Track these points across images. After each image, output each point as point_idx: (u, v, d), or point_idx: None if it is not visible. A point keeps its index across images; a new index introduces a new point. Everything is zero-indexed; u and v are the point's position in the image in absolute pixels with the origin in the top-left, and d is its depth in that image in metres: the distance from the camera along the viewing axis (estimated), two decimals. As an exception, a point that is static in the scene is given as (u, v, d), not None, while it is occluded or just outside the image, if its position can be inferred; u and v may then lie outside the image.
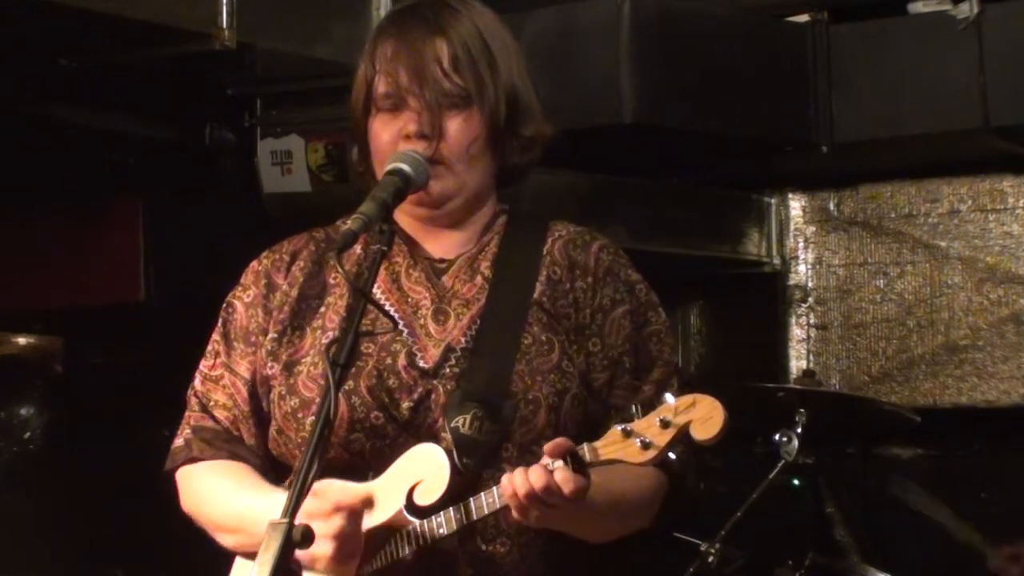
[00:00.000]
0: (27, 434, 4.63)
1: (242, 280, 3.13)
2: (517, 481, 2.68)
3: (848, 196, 5.86)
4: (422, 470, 2.82)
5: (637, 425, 2.67)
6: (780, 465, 4.51)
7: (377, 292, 3.01)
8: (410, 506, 2.79)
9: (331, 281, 3.07)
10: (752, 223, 5.89)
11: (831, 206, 5.89)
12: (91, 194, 4.90)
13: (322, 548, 2.75)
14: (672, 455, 2.67)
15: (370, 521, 2.83)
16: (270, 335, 3.03)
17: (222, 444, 3.04)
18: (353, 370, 2.85)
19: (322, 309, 3.04)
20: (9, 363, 4.66)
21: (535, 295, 3.05)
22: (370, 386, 2.93)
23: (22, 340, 4.70)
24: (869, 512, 5.82)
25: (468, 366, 2.96)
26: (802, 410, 4.41)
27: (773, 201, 5.92)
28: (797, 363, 5.86)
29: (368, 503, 2.84)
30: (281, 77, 4.66)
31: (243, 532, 2.92)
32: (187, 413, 3.11)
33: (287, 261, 3.11)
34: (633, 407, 2.72)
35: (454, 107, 3.00)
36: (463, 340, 2.99)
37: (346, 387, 2.87)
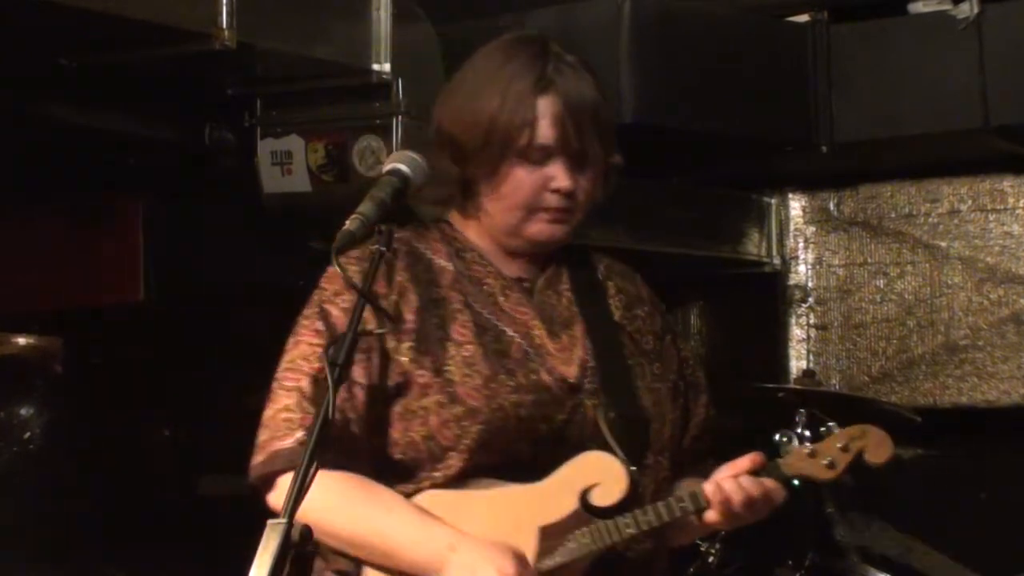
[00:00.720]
0: (27, 434, 4.63)
1: (328, 283, 3.12)
2: (730, 488, 3.02)
3: (848, 196, 5.88)
4: (595, 475, 3.02)
5: (820, 447, 3.13)
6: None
7: (484, 313, 3.13)
8: (586, 506, 3.00)
9: (442, 293, 3.14)
10: (752, 223, 5.91)
11: (831, 206, 5.91)
12: (91, 194, 4.90)
13: None
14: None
15: (544, 519, 3.00)
16: (404, 343, 3.05)
17: (336, 452, 2.93)
18: (512, 384, 3.04)
19: (447, 319, 3.11)
20: (9, 363, 4.66)
21: (616, 318, 3.25)
22: (534, 400, 3.05)
23: (22, 340, 4.70)
24: (868, 511, 5.77)
25: (602, 382, 3.13)
26: (801, 411, 4.35)
27: (773, 201, 5.94)
28: (797, 363, 5.89)
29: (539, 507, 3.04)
30: (281, 77, 4.65)
31: (381, 554, 3.00)
32: (293, 412, 3.04)
33: (384, 270, 3.10)
34: (796, 431, 3.17)
35: (591, 165, 3.13)
36: (588, 358, 3.15)
37: (510, 400, 3.02)
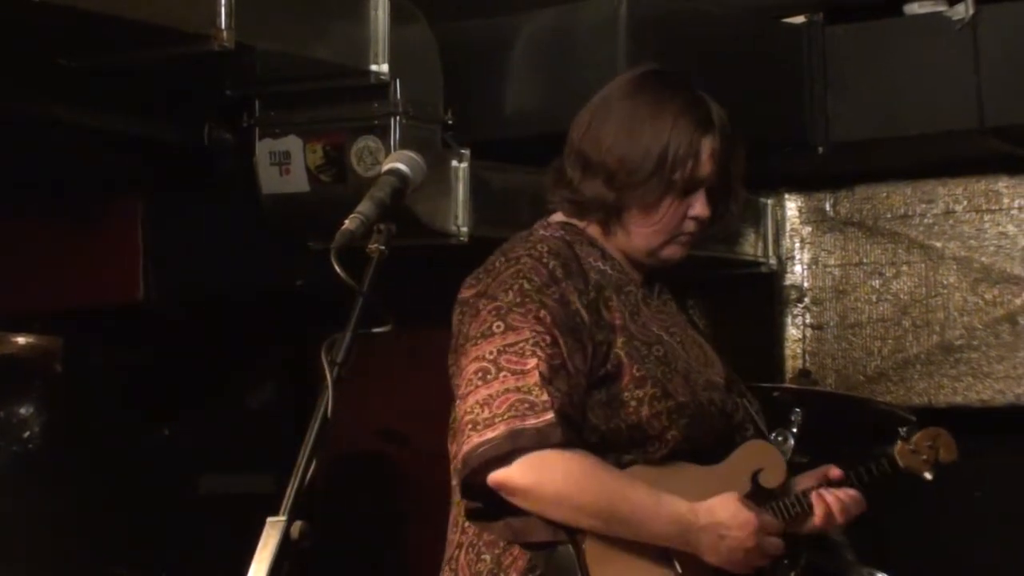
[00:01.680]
0: (27, 433, 4.65)
1: (530, 275, 3.20)
2: (841, 498, 3.41)
3: (844, 197, 5.88)
4: (761, 460, 3.34)
5: (917, 446, 3.63)
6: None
7: (619, 320, 3.27)
8: (760, 486, 3.30)
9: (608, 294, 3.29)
10: (748, 223, 5.90)
11: (827, 206, 5.91)
12: (91, 194, 4.91)
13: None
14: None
15: (736, 491, 3.24)
16: (619, 338, 3.22)
17: (576, 432, 3.12)
18: (701, 382, 3.32)
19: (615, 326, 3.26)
20: (9, 363, 4.68)
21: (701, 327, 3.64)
22: (719, 396, 3.34)
23: (22, 340, 4.72)
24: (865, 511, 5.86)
25: (731, 383, 3.44)
26: (798, 409, 4.40)
27: (769, 202, 5.94)
28: (793, 362, 5.89)
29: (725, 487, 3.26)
30: (279, 78, 4.65)
31: (629, 524, 3.13)
32: (535, 393, 3.09)
33: (573, 263, 3.27)
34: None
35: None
36: (718, 361, 3.46)
37: (707, 396, 3.29)
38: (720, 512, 3.16)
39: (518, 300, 3.15)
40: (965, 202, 5.66)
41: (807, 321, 5.93)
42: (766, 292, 5.96)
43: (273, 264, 4.84)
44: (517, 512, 3.12)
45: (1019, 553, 5.53)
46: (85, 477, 4.76)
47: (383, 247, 2.91)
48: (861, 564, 4.81)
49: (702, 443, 3.27)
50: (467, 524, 3.22)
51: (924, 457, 3.58)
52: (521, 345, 3.11)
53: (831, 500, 3.37)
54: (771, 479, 3.30)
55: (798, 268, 5.94)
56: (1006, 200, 5.62)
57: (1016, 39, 5.09)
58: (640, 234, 3.30)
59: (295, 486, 2.60)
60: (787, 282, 5.94)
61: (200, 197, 4.89)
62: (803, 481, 3.44)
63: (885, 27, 5.29)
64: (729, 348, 6.01)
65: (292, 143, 4.70)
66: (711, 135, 3.30)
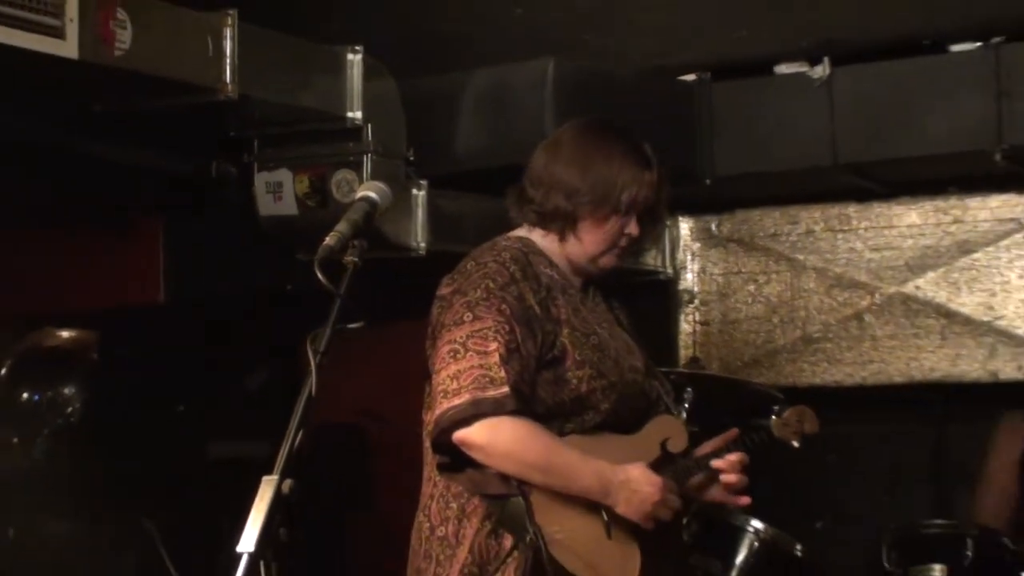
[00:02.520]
0: (69, 409, 4.60)
1: (495, 276, 3.22)
2: (735, 459, 3.42)
3: (726, 219, 5.91)
4: (668, 431, 3.35)
5: (787, 419, 3.62)
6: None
7: (563, 315, 3.28)
8: (667, 452, 3.30)
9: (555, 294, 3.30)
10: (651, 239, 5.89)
11: (713, 227, 5.93)
12: (121, 216, 4.89)
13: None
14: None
15: (646, 459, 3.25)
16: (564, 329, 3.24)
17: (525, 403, 3.15)
18: (627, 365, 3.33)
19: (560, 319, 3.27)
20: (55, 352, 4.64)
21: (625, 324, 3.53)
22: (635, 379, 3.34)
23: (65, 334, 4.68)
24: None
25: (647, 369, 3.43)
26: (689, 389, 4.42)
27: (667, 223, 5.89)
28: (685, 352, 5.90)
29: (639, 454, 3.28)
30: (273, 122, 4.62)
31: (563, 479, 3.16)
32: (493, 371, 3.13)
33: (528, 268, 3.27)
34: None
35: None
36: (638, 350, 3.44)
37: (633, 377, 3.33)
38: (633, 472, 3.17)
39: (484, 296, 3.16)
40: (822, 224, 5.73)
41: (696, 318, 5.95)
42: (664, 295, 5.97)
43: (268, 272, 4.81)
44: (477, 467, 3.13)
45: (861, 499, 5.60)
46: (116, 445, 4.73)
47: (357, 259, 2.88)
48: (739, 512, 4.69)
49: (625, 416, 3.30)
50: (438, 478, 3.22)
51: (793, 429, 3.59)
52: (485, 331, 3.13)
53: (736, 460, 3.43)
54: (676, 446, 3.32)
55: (689, 276, 5.96)
56: (854, 222, 5.68)
57: (862, 94, 5.15)
58: (589, 241, 3.31)
59: (285, 451, 2.59)
60: (680, 287, 5.96)
61: (210, 218, 4.86)
62: (703, 448, 3.44)
63: (759, 84, 5.29)
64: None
65: (284, 175, 4.68)
66: (650, 171, 3.33)
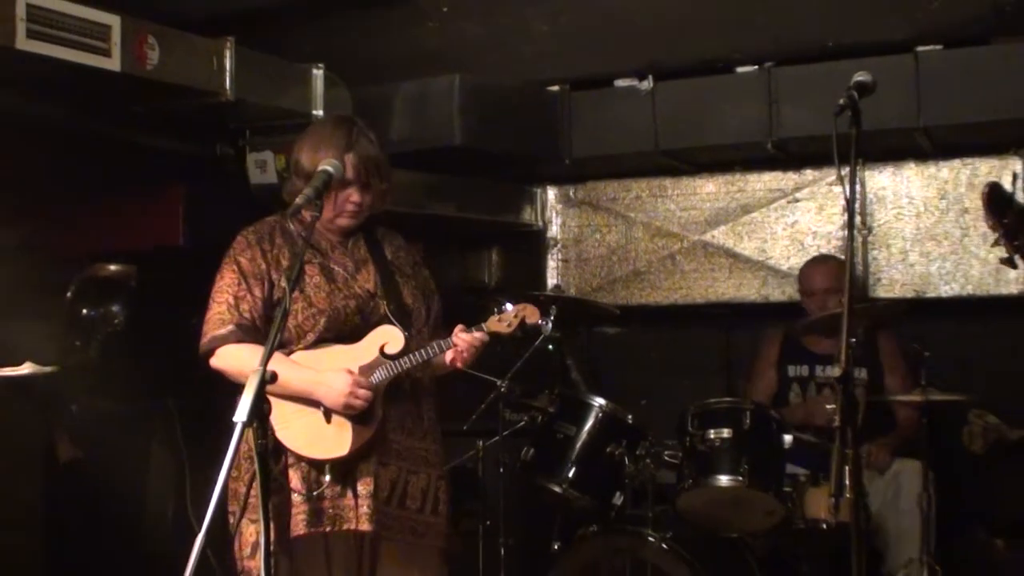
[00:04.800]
0: (116, 321, 4.53)
1: (238, 246, 3.16)
2: (466, 337, 3.11)
3: (580, 188, 5.85)
4: (387, 337, 3.13)
5: (504, 316, 3.13)
6: (540, 337, 4.15)
7: (322, 260, 3.19)
8: (383, 354, 3.10)
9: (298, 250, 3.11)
10: (527, 202, 5.90)
11: (571, 193, 5.88)
12: (152, 183, 4.86)
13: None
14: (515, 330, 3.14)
15: (362, 361, 3.10)
16: (283, 278, 3.10)
17: (250, 334, 3.10)
18: (341, 294, 3.13)
19: (304, 264, 3.12)
20: (106, 281, 4.53)
21: (389, 258, 3.30)
22: (355, 303, 3.15)
23: (113, 267, 4.59)
24: (590, 362, 5.89)
25: (385, 292, 3.21)
26: (554, 306, 4.34)
27: (538, 190, 5.90)
28: (551, 281, 5.85)
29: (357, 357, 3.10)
30: (260, 117, 4.63)
31: (279, 387, 2.92)
32: (225, 314, 3.08)
33: (267, 236, 3.19)
34: (497, 307, 3.17)
35: (372, 190, 3.21)
36: (377, 279, 3.22)
37: (341, 303, 3.13)
38: (328, 376, 3.05)
39: (227, 260, 3.16)
40: (647, 191, 5.68)
41: (559, 258, 5.91)
42: (536, 241, 5.92)
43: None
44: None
45: (673, 384, 5.55)
46: (148, 346, 4.70)
47: (317, 213, 3.00)
48: (588, 392, 4.76)
49: (342, 332, 3.14)
50: None
51: (507, 323, 3.15)
52: (222, 286, 3.13)
53: (467, 338, 3.14)
54: (392, 348, 3.11)
55: (554, 228, 5.90)
56: (669, 191, 5.64)
57: (676, 101, 5.10)
58: (327, 209, 3.15)
59: (267, 352, 2.66)
60: (548, 235, 5.90)
61: (215, 185, 4.84)
62: (454, 332, 3.19)
63: (604, 93, 5.23)
64: (516, 273, 6.06)
65: (267, 155, 4.71)
66: (352, 154, 3.15)
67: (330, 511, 3.08)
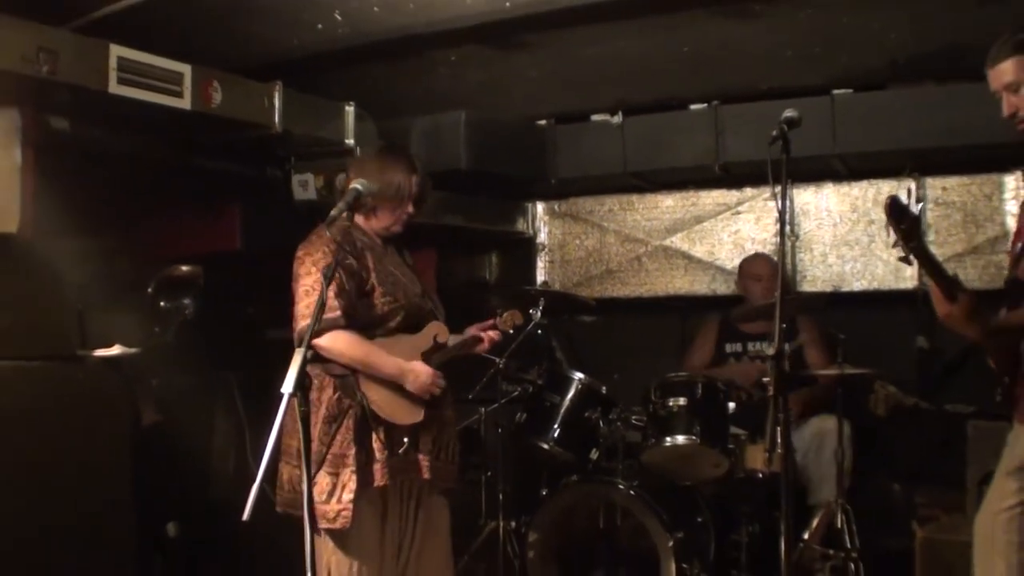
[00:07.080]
0: (187, 311, 4.51)
1: (327, 247, 3.04)
2: (494, 335, 3.28)
3: (564, 203, 5.85)
4: (436, 330, 3.22)
5: (505, 319, 3.34)
6: (531, 324, 4.24)
7: (378, 266, 3.16)
8: (436, 343, 3.20)
9: (365, 252, 3.14)
10: (520, 215, 5.90)
11: (556, 207, 5.89)
12: (216, 200, 4.83)
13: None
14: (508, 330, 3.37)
15: (423, 348, 3.18)
16: (372, 276, 3.10)
17: (349, 321, 3.07)
18: (410, 292, 3.17)
19: (369, 268, 3.14)
20: (179, 280, 4.51)
21: (409, 264, 3.33)
22: (418, 301, 3.20)
23: (184, 268, 4.57)
24: (572, 343, 5.90)
25: (427, 293, 3.28)
26: (542, 299, 4.37)
27: (529, 205, 5.90)
28: (540, 278, 5.86)
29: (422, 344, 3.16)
30: (302, 146, 4.60)
31: (375, 368, 3.06)
32: (328, 303, 2.99)
33: (344, 241, 3.12)
34: (499, 313, 3.32)
35: (421, 205, 3.25)
36: (418, 283, 3.27)
37: (413, 300, 3.16)
38: (416, 366, 3.11)
39: (321, 257, 3.06)
40: (618, 205, 5.67)
41: (546, 259, 5.89)
42: (528, 247, 5.89)
43: (300, 231, 4.87)
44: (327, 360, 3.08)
45: (639, 362, 5.41)
46: (213, 331, 4.68)
47: (349, 223, 3.03)
48: (571, 368, 4.73)
49: (412, 324, 3.18)
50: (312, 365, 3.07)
51: (507, 324, 3.37)
52: (312, 282, 3.03)
53: (492, 335, 3.30)
54: (441, 337, 3.19)
55: (542, 235, 5.89)
56: (636, 205, 5.65)
57: (641, 132, 5.09)
58: (384, 219, 3.19)
59: (309, 332, 2.67)
60: (537, 241, 5.88)
61: (266, 202, 4.81)
62: (471, 330, 3.33)
63: (583, 126, 5.20)
64: (505, 274, 5.97)
65: (308, 176, 4.65)
66: (417, 175, 3.20)
67: (401, 465, 3.16)
